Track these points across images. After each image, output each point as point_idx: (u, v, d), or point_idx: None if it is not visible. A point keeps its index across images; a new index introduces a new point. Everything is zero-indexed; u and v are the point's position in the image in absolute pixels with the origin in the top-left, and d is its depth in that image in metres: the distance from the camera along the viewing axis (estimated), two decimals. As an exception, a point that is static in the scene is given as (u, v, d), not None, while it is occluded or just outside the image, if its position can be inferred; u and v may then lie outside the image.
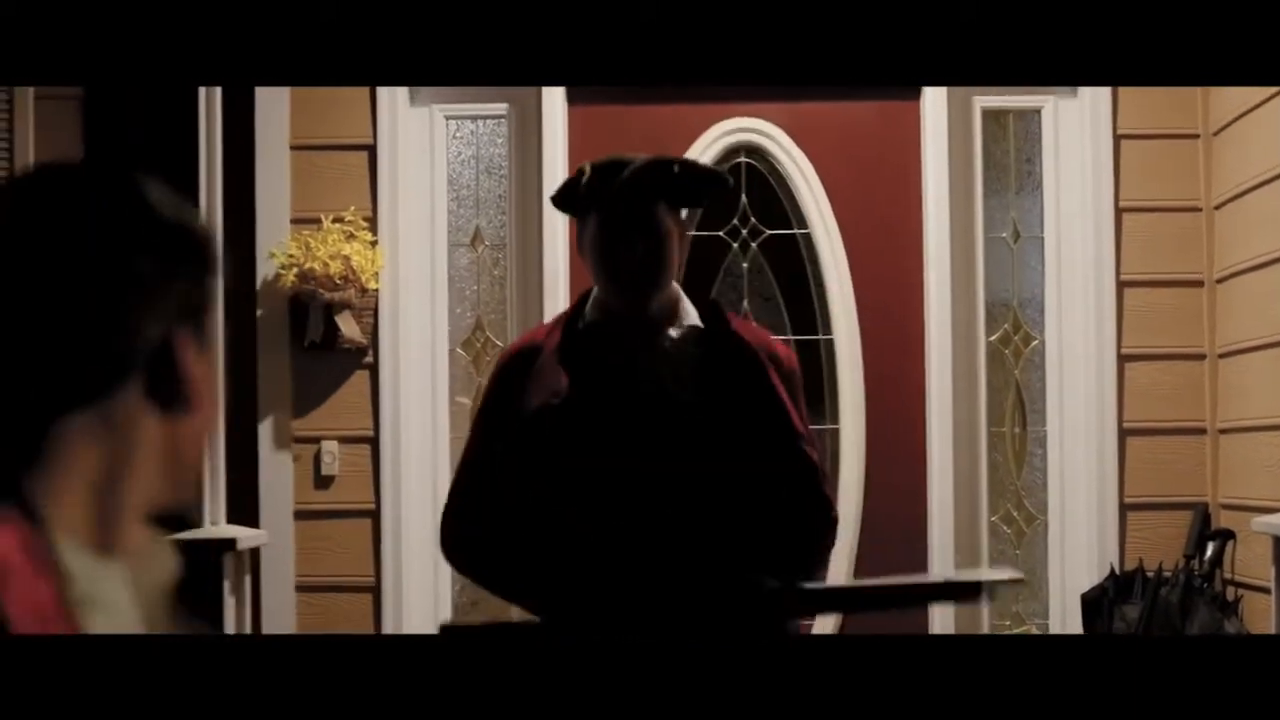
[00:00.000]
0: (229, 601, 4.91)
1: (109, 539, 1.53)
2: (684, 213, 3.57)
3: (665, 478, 3.47)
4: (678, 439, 3.48)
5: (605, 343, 3.57)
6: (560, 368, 3.57)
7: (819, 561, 3.72)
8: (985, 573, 4.76)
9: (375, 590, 5.34)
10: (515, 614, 3.81)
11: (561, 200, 3.64)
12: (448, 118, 5.48)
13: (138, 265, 1.52)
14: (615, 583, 3.49)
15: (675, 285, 3.61)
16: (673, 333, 3.56)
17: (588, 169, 3.58)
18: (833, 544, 3.68)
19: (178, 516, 4.84)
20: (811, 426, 3.62)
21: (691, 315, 3.60)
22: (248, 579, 5.11)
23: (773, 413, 3.56)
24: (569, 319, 3.66)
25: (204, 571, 4.80)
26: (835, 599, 4.03)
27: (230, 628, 4.89)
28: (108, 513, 1.53)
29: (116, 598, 1.54)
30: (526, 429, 3.55)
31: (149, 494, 1.57)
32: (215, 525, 4.93)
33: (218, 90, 5.11)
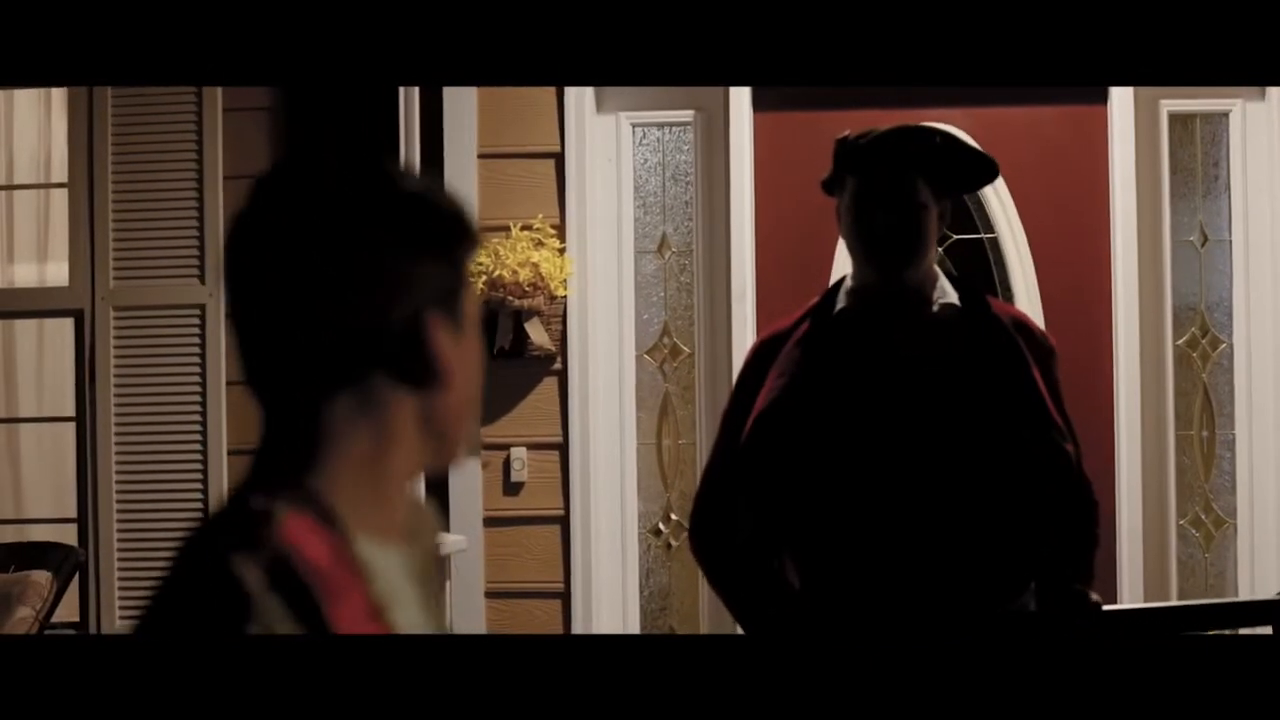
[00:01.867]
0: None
1: (386, 522, 1.61)
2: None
3: (920, 471, 3.42)
4: (929, 422, 3.43)
5: (856, 327, 3.50)
6: (803, 356, 3.53)
7: (1091, 558, 3.65)
8: None
9: (565, 596, 5.36)
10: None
11: (825, 185, 3.59)
12: (634, 125, 5.49)
13: (381, 251, 1.57)
14: (887, 594, 3.47)
15: (934, 265, 3.57)
16: (928, 311, 3.51)
17: (846, 135, 3.54)
18: (1098, 540, 3.66)
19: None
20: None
21: (949, 294, 3.55)
22: (447, 585, 5.14)
23: (1028, 402, 3.52)
24: (819, 305, 3.64)
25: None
26: (1162, 619, 3.94)
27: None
28: (380, 495, 1.61)
29: (403, 586, 1.62)
30: (761, 423, 3.54)
31: (414, 468, 1.64)
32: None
33: (415, 100, 5.14)
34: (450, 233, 1.64)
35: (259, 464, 1.60)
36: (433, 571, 1.73)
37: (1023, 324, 3.63)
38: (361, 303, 1.56)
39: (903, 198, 3.44)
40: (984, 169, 3.63)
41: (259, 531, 1.51)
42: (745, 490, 3.56)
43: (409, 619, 1.62)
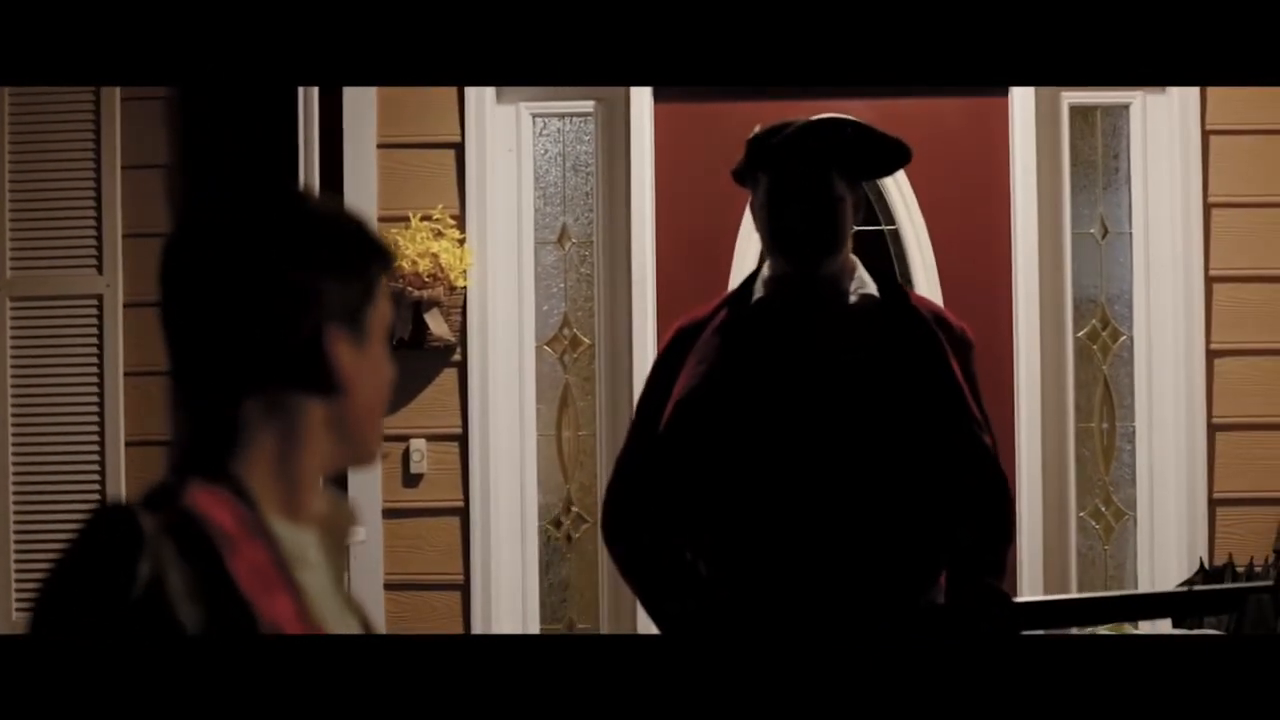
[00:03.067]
0: (331, 601, 4.91)
1: (296, 505, 1.78)
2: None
3: (837, 460, 3.42)
4: (847, 413, 3.42)
5: (773, 317, 3.50)
6: (722, 344, 3.52)
7: (1005, 552, 3.63)
8: (1241, 583, 4.72)
9: (464, 588, 5.34)
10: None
11: (737, 175, 3.58)
12: (535, 115, 5.47)
13: (284, 272, 1.75)
14: (802, 586, 3.45)
15: (851, 255, 3.55)
16: (845, 302, 3.50)
17: (758, 130, 3.54)
18: (1012, 534, 3.65)
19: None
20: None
21: (869, 285, 3.53)
22: (347, 576, 5.10)
23: (947, 395, 3.51)
24: (736, 294, 3.62)
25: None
26: (1072, 611, 3.94)
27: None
28: (292, 488, 1.77)
29: (314, 557, 1.79)
30: (679, 411, 3.53)
31: (324, 467, 1.81)
32: (316, 524, 4.93)
33: (314, 89, 5.11)
34: (352, 252, 1.80)
35: (181, 454, 1.78)
36: (343, 560, 1.90)
37: (941, 317, 3.62)
38: (267, 318, 1.74)
39: (818, 192, 3.45)
40: (897, 153, 3.62)
41: (165, 495, 1.69)
42: (661, 477, 3.54)
43: (317, 582, 1.78)
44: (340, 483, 5.24)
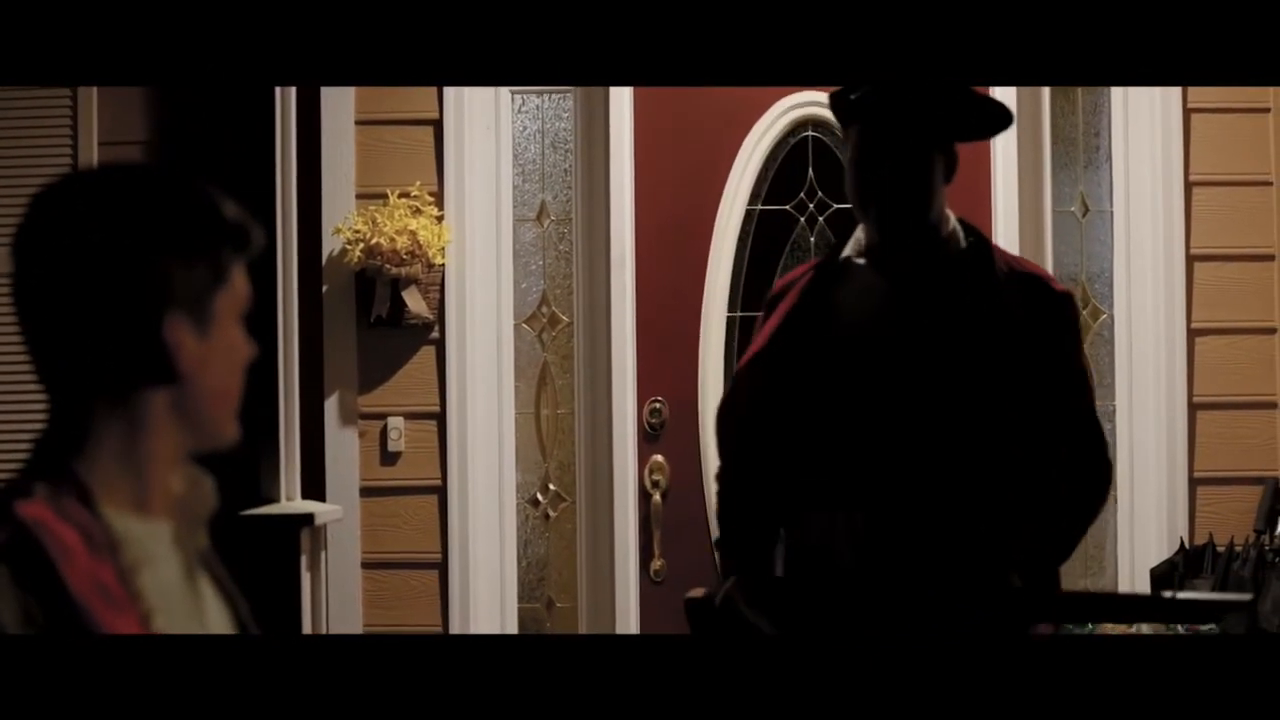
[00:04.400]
0: (305, 577, 4.90)
1: (145, 498, 1.76)
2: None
3: (926, 425, 3.35)
4: (939, 374, 3.36)
5: (853, 284, 3.46)
6: (800, 302, 3.48)
7: (1081, 538, 3.62)
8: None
9: (442, 567, 5.32)
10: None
11: (835, 105, 3.50)
12: (513, 92, 5.45)
13: (122, 259, 1.72)
14: (859, 569, 3.41)
15: (946, 213, 3.46)
16: (935, 263, 3.43)
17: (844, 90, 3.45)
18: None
19: (255, 494, 4.84)
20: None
21: (962, 245, 3.47)
22: (323, 555, 5.10)
23: (1067, 367, 3.47)
24: (827, 256, 3.57)
25: (282, 547, 4.79)
26: (1089, 606, 3.91)
27: (306, 603, 4.88)
28: (139, 476, 1.76)
29: (159, 550, 1.77)
30: (740, 377, 3.54)
31: (173, 452, 1.79)
32: (291, 501, 4.92)
33: (290, 65, 5.09)
34: (196, 235, 1.76)
35: (34, 451, 1.76)
36: (204, 540, 1.87)
37: (1046, 279, 3.57)
38: (103, 309, 1.71)
39: (904, 152, 3.36)
40: (998, 117, 3.56)
41: (2, 510, 1.67)
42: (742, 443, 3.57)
43: (161, 581, 1.76)
44: (318, 460, 5.23)
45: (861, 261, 3.49)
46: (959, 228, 3.51)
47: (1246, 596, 4.77)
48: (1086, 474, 3.52)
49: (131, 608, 1.69)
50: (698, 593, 3.59)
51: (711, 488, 5.25)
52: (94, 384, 1.73)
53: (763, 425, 3.55)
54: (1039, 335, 3.43)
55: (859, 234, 3.53)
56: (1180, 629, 4.70)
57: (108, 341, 1.72)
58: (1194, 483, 5.32)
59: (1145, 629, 4.69)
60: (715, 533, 3.81)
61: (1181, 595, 4.78)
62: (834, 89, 3.54)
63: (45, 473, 1.72)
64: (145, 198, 1.75)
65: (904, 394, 3.39)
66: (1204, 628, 4.70)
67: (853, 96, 3.42)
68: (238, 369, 1.82)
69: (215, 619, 1.86)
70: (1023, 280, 3.49)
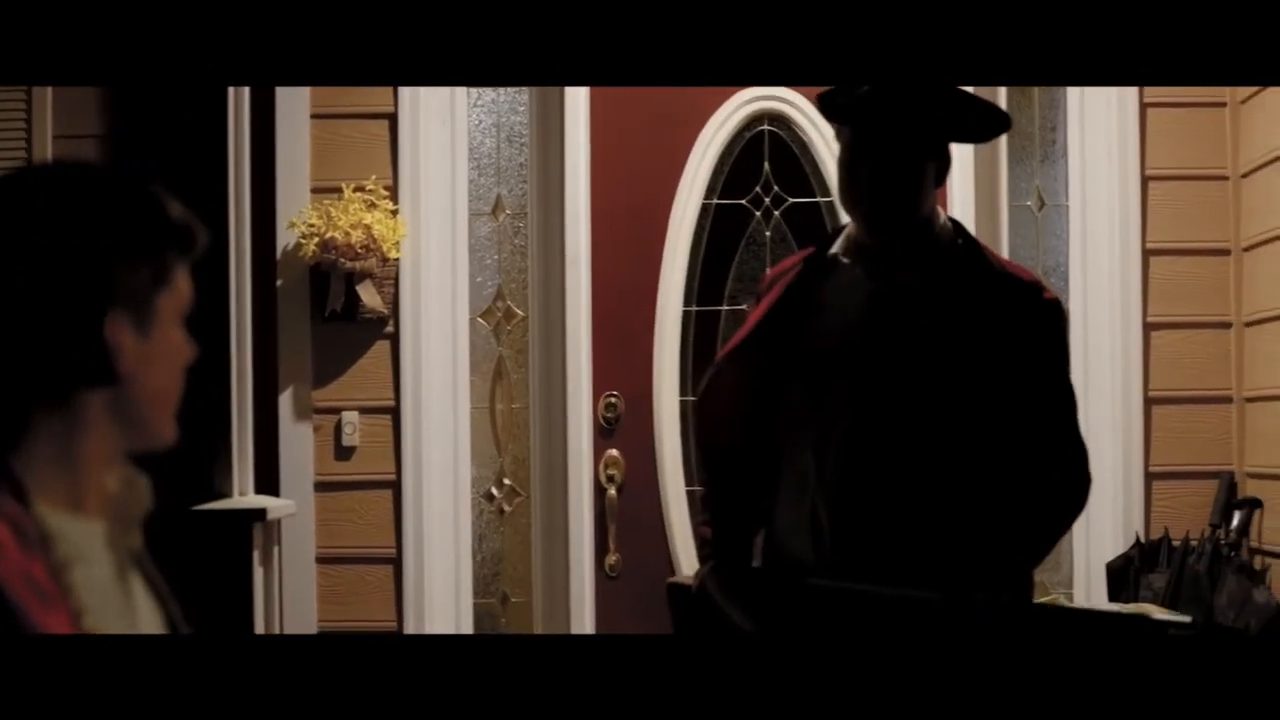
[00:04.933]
0: (258, 572, 4.89)
1: (80, 496, 1.75)
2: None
3: (896, 421, 3.34)
4: (913, 372, 3.34)
5: (837, 281, 3.44)
6: (784, 295, 3.47)
7: (1053, 547, 3.65)
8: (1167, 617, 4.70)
9: (397, 562, 5.30)
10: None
11: (826, 105, 3.45)
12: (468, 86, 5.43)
13: (60, 259, 1.71)
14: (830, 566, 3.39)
15: (938, 215, 3.44)
16: (920, 266, 3.40)
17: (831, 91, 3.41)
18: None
19: (208, 490, 4.82)
20: None
21: (953, 249, 3.44)
22: (276, 550, 5.09)
23: (1052, 379, 3.47)
24: (815, 251, 3.55)
25: (234, 542, 4.78)
26: (1053, 620, 3.90)
27: (259, 599, 4.87)
28: (74, 475, 1.75)
29: (92, 549, 1.76)
30: (722, 364, 3.53)
31: (109, 452, 1.78)
32: (244, 496, 4.91)
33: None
34: (138, 235, 1.76)
35: None
36: (138, 540, 1.86)
37: (1038, 285, 3.52)
38: (48, 306, 1.70)
39: (894, 153, 3.33)
40: (994, 121, 3.55)
41: None
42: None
43: (92, 579, 1.74)
44: (272, 455, 5.21)
45: (849, 260, 3.47)
46: (950, 228, 3.49)
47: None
48: (1065, 485, 3.50)
49: (62, 603, 1.68)
50: (683, 578, 3.59)
51: (667, 482, 5.28)
52: (32, 381, 1.72)
53: (741, 414, 3.54)
54: (1024, 341, 3.41)
55: (849, 231, 3.52)
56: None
57: (48, 340, 1.71)
58: (1150, 477, 5.32)
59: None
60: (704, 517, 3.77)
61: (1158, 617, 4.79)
62: (817, 89, 3.53)
63: None
64: (90, 197, 1.75)
65: (885, 393, 3.37)
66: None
67: (843, 98, 3.40)
68: (178, 370, 1.82)
69: (146, 619, 1.85)
70: (1012, 285, 3.46)
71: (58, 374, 1.72)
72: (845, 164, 3.38)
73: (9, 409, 1.73)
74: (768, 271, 3.76)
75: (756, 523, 3.58)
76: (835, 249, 3.49)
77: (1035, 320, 3.43)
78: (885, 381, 3.35)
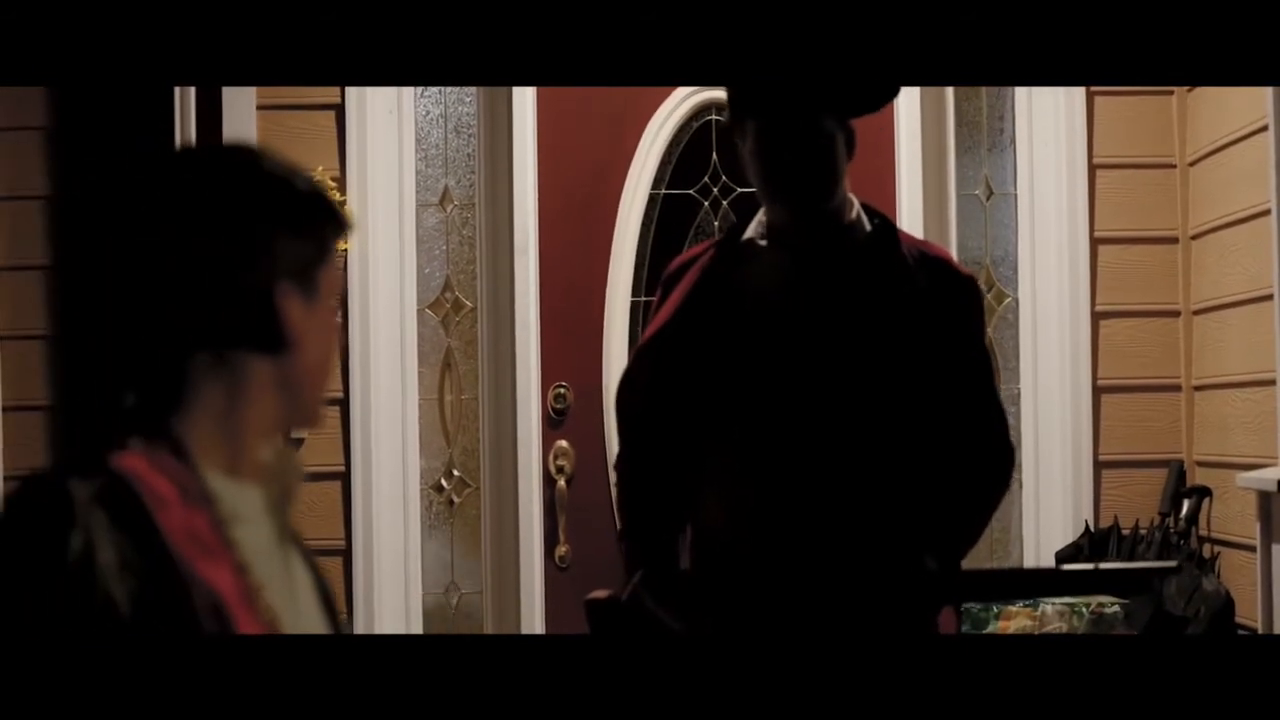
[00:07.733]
0: (201, 563, 4.86)
1: (239, 462, 1.79)
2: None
3: (823, 407, 3.35)
4: (840, 356, 3.36)
5: (766, 254, 3.44)
6: (701, 280, 3.47)
7: (984, 527, 3.66)
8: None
9: (345, 553, 5.29)
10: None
11: (730, 102, 3.49)
12: (416, 76, 5.41)
13: (236, 229, 1.76)
14: (763, 552, 3.41)
15: (849, 195, 3.46)
16: (845, 243, 3.42)
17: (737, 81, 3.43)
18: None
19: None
20: None
21: (867, 226, 3.46)
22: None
23: (971, 352, 3.48)
24: (726, 236, 3.56)
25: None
26: (999, 584, 3.92)
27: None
28: (235, 440, 1.79)
29: (252, 511, 1.80)
30: (641, 353, 3.55)
31: (270, 424, 1.82)
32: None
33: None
34: (306, 211, 1.81)
35: (121, 414, 1.79)
36: (288, 513, 1.90)
37: (950, 263, 3.59)
38: (217, 274, 1.75)
39: (808, 134, 3.36)
40: (882, 89, 3.56)
41: (96, 460, 1.70)
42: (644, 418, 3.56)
43: (254, 540, 1.78)
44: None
45: (764, 243, 3.48)
46: (862, 212, 3.51)
47: (1171, 564, 4.78)
48: (988, 458, 3.53)
49: (226, 556, 1.72)
50: (600, 594, 3.58)
51: (613, 475, 5.27)
52: (198, 344, 1.77)
53: (662, 406, 3.54)
54: (942, 319, 3.44)
55: (761, 215, 3.52)
56: (1085, 612, 4.71)
57: (219, 302, 1.76)
58: (1099, 466, 5.32)
59: (1051, 627, 4.69)
60: (618, 524, 3.77)
61: (1080, 566, 4.81)
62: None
63: (140, 429, 1.75)
64: (262, 174, 1.81)
65: (805, 376, 3.38)
66: (1109, 609, 4.71)
67: (740, 92, 3.41)
68: (333, 348, 1.89)
69: (305, 589, 1.91)
70: (927, 263, 3.49)
71: (226, 336, 1.77)
72: (757, 154, 3.38)
73: (172, 372, 1.77)
74: (672, 261, 3.74)
75: (679, 523, 3.57)
76: (750, 233, 3.49)
77: (951, 295, 3.47)
78: (814, 363, 3.36)
